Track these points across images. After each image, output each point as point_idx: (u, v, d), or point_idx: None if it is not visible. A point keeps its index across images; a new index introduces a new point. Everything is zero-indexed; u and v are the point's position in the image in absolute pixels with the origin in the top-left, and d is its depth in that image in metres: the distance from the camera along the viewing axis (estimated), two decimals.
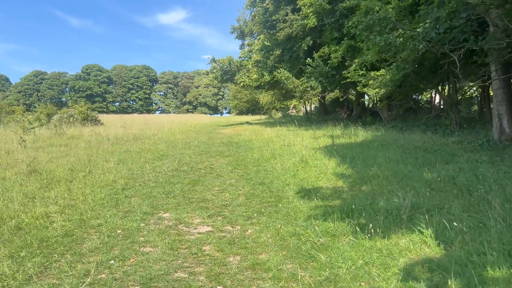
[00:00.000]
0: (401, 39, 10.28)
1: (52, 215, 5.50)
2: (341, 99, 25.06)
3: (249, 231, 4.95)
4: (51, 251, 4.30)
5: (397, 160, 8.88)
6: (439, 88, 18.08)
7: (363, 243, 4.29)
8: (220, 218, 5.55)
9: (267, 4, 23.77)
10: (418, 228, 4.44)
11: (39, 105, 25.71)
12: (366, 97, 25.18)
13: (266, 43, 25.17)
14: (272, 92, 34.18)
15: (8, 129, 17.27)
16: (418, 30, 9.87)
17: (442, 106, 18.83)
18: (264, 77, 25.80)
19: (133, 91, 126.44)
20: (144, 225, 5.23)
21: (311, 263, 3.92)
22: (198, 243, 4.54)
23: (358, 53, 17.07)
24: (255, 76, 28.30)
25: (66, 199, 6.42)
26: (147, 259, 4.09)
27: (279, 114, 49.39)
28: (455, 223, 4.28)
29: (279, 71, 22.74)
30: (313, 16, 19.99)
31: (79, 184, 7.47)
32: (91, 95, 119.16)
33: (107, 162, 10.06)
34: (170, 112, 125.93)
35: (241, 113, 73.85)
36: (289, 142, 13.73)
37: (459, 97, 16.58)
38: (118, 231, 4.96)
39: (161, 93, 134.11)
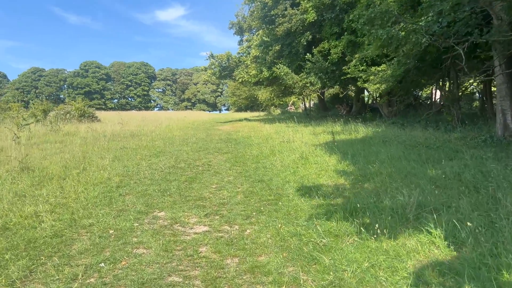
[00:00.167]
0: (403, 32, 10.03)
1: (41, 214, 5.26)
2: (341, 95, 24.79)
3: (247, 231, 4.72)
4: (38, 253, 4.06)
5: (400, 156, 8.65)
6: (440, 83, 17.86)
7: (368, 244, 4.06)
8: (218, 217, 5.32)
9: None
10: (426, 228, 4.21)
11: (35, 102, 25.27)
12: (366, 93, 24.95)
13: (265, 39, 24.85)
14: (271, 89, 33.89)
15: (3, 125, 16.97)
16: (420, 23, 9.62)
17: (442, 102, 18.59)
18: (263, 73, 25.50)
19: (131, 88, 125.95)
20: (137, 224, 4.99)
21: (314, 266, 3.69)
22: (194, 244, 4.31)
23: (358, 48, 16.80)
24: (253, 72, 28.00)
25: (57, 197, 6.18)
26: (139, 261, 3.86)
27: (278, 111, 49.12)
28: (468, 223, 4.03)
29: (278, 66, 22.45)
30: (312, 11, 19.70)
31: (72, 181, 7.23)
32: (89, 92, 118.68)
33: (102, 159, 9.81)
34: (168, 109, 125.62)
35: (239, 109, 73.57)
36: (289, 138, 13.49)
37: (461, 93, 16.34)
38: (110, 231, 4.72)
39: (160, 90, 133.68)
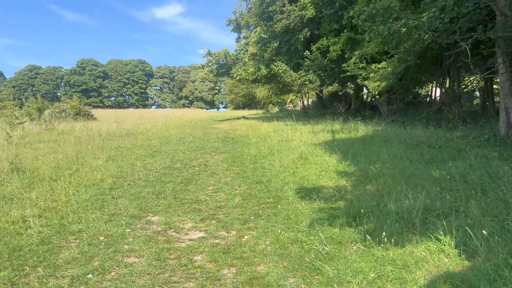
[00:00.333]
0: (405, 28, 9.77)
1: (29, 219, 4.99)
2: (340, 93, 24.53)
3: (245, 237, 4.47)
4: (22, 263, 3.81)
5: (402, 156, 8.41)
6: (440, 81, 17.63)
7: (373, 252, 3.82)
8: (214, 221, 5.07)
9: None
10: (435, 234, 3.98)
11: (31, 100, 24.89)
12: (365, 90, 24.70)
13: (263, 36, 24.55)
14: (269, 86, 33.61)
15: None
16: (422, 19, 9.37)
17: (443, 100, 18.36)
18: (261, 70, 25.20)
19: (128, 85, 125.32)
20: (129, 230, 4.73)
21: (316, 277, 3.45)
22: (189, 252, 4.06)
23: (357, 46, 16.54)
24: (251, 69, 27.71)
25: (47, 200, 5.91)
26: (130, 272, 3.60)
27: (276, 109, 48.86)
28: (483, 231, 3.77)
29: (276, 64, 22.17)
30: (311, 7, 19.42)
31: (64, 183, 6.96)
32: (86, 89, 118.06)
33: (96, 159, 9.54)
34: (166, 107, 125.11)
35: (237, 107, 73.28)
36: (287, 137, 13.25)
37: (462, 90, 16.12)
38: (101, 238, 4.46)
39: (157, 87, 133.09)
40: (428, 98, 25.28)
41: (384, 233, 4.06)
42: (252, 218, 5.17)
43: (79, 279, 3.48)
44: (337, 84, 21.15)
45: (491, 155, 7.86)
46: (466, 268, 3.38)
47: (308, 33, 20.65)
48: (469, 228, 3.98)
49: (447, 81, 17.12)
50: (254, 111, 53.06)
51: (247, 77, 29.32)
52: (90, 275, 3.55)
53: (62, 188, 6.60)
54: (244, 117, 34.32)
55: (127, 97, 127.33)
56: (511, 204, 4.55)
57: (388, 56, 14.13)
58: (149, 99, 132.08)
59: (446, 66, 13.99)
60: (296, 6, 20.90)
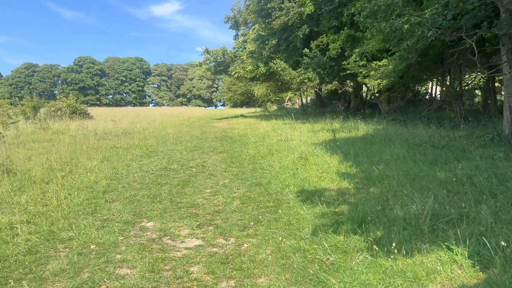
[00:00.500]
0: (407, 25, 9.54)
1: (17, 225, 4.74)
2: (339, 91, 24.27)
3: (245, 245, 4.23)
4: (6, 276, 3.56)
5: (405, 156, 8.19)
6: (441, 79, 17.41)
7: (381, 263, 3.59)
8: (212, 228, 4.83)
9: None
10: (446, 243, 3.75)
11: (26, 98, 24.53)
12: (364, 88, 24.47)
13: (261, 33, 24.25)
14: (267, 84, 33.32)
15: None
16: (425, 15, 9.13)
17: (443, 98, 18.15)
18: (260, 68, 24.89)
19: (126, 83, 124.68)
20: (122, 238, 4.48)
21: None
22: (185, 262, 3.82)
23: (357, 43, 16.29)
24: (250, 67, 27.39)
25: (37, 205, 5.66)
26: (121, 285, 3.36)
27: (274, 107, 48.60)
28: (502, 242, 3.51)
29: (275, 61, 21.87)
30: (310, 3, 19.14)
31: (56, 186, 6.70)
32: (83, 87, 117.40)
33: (91, 160, 9.28)
34: (163, 105, 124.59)
35: (235, 105, 72.96)
36: (286, 136, 13.01)
37: (463, 89, 15.90)
38: (92, 247, 4.22)
39: (155, 85, 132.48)
40: (428, 96, 25.10)
41: (391, 242, 3.84)
42: (252, 224, 4.93)
43: None
44: (336, 82, 20.87)
45: (497, 155, 7.64)
46: (482, 281, 3.15)
47: (307, 30, 20.37)
48: (482, 236, 3.76)
49: (448, 79, 16.91)
50: (252, 109, 52.77)
51: (245, 75, 28.98)
52: None
53: (54, 191, 6.34)
54: (242, 115, 34.05)
55: (124, 95, 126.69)
56: None
57: (388, 53, 13.89)
58: (147, 97, 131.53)
59: (448, 64, 13.77)
60: (295, 3, 20.61)
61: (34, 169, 8.02)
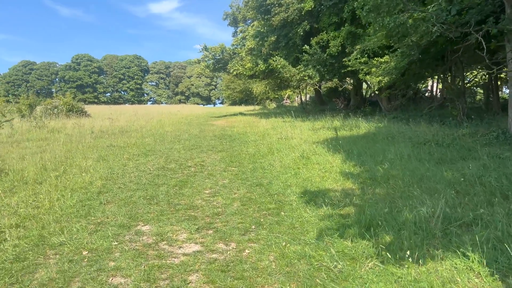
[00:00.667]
0: (411, 20, 9.29)
1: (5, 230, 4.49)
2: (340, 88, 24.03)
3: (246, 251, 3.99)
4: None
5: (409, 155, 7.96)
6: (442, 76, 17.18)
7: (392, 270, 3.35)
8: (211, 232, 4.58)
9: None
10: (461, 249, 3.52)
11: (22, 96, 24.19)
12: (365, 86, 24.23)
13: (261, 30, 23.95)
14: (266, 82, 33.05)
15: None
16: (430, 10, 8.89)
17: (445, 96, 17.93)
18: (259, 65, 24.60)
19: (124, 81, 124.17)
20: (117, 243, 4.24)
21: None
22: (183, 270, 3.57)
23: (358, 40, 16.03)
24: (249, 64, 27.10)
25: (28, 207, 5.41)
26: None
27: (273, 105, 48.30)
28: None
29: (274, 59, 21.59)
30: None
31: (49, 187, 6.45)
32: (81, 85, 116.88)
33: (86, 159, 9.03)
34: (162, 103, 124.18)
35: (234, 103, 72.57)
36: (287, 135, 12.77)
37: (466, 85, 15.68)
38: (84, 253, 3.97)
39: (153, 83, 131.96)
40: (428, 94, 24.89)
41: (402, 247, 3.61)
42: (253, 227, 4.69)
43: None
44: (336, 80, 20.62)
45: (504, 154, 7.41)
46: None
47: (307, 27, 20.09)
48: (498, 241, 3.53)
49: (449, 76, 16.68)
50: (251, 107, 52.47)
51: (244, 72, 28.70)
52: None
53: (46, 193, 6.09)
54: (241, 113, 33.78)
55: (122, 93, 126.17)
56: None
57: (390, 50, 13.65)
58: (145, 95, 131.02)
59: (451, 61, 13.54)
60: None
61: (27, 169, 7.76)
